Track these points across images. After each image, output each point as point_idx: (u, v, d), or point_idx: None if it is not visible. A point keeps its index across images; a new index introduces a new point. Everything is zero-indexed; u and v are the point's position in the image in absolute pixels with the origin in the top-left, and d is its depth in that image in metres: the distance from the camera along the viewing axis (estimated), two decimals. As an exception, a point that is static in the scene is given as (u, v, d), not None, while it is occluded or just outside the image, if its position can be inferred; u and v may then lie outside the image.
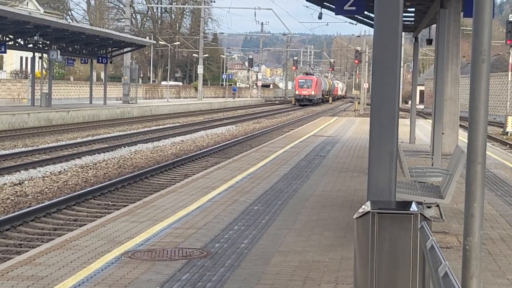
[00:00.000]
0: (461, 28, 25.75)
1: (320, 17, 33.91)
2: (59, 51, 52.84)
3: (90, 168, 24.59)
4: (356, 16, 24.70)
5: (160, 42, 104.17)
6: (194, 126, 50.70)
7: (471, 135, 5.38)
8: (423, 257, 5.14)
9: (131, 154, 29.58)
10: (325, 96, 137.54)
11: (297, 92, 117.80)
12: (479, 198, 5.38)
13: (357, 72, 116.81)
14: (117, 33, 63.86)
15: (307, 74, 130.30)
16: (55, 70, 79.92)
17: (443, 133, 21.50)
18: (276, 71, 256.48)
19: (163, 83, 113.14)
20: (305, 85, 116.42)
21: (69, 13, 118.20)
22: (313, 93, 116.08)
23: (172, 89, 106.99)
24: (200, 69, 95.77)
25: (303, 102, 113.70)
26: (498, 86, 77.08)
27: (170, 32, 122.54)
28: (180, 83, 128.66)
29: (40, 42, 51.15)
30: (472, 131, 5.37)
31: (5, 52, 50.74)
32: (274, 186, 16.68)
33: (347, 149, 27.17)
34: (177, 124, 51.78)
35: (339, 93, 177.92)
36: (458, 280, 4.06)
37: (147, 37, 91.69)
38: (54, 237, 13.00)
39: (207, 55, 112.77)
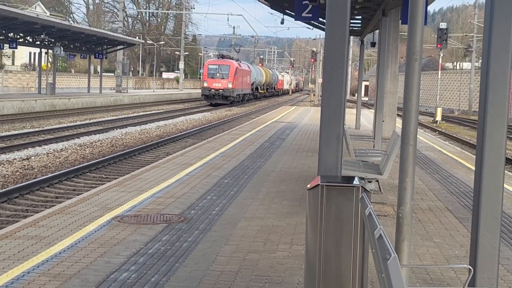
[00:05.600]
0: (400, 33, 25.81)
1: (282, 22, 33.79)
2: (62, 48, 52.45)
3: (87, 147, 24.44)
4: (312, 22, 24.65)
5: (148, 41, 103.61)
6: (176, 112, 50.52)
7: (404, 121, 5.40)
8: (363, 222, 5.17)
9: (122, 135, 29.44)
10: (260, 91, 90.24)
11: (205, 84, 66.91)
12: (411, 174, 5.41)
13: (313, 69, 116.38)
14: (112, 33, 63.33)
15: (222, 57, 73.17)
16: (58, 64, 79.13)
17: (383, 121, 21.60)
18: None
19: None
20: (217, 74, 66.83)
21: (71, 15, 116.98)
22: (230, 86, 66.38)
23: (158, 81, 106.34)
24: (181, 65, 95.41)
25: (215, 99, 65.80)
26: (430, 82, 77.62)
27: (156, 33, 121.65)
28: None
29: (46, 40, 50.82)
30: (405, 118, 5.40)
31: (16, 47, 50.51)
32: (241, 163, 16.68)
33: (303, 133, 27.22)
34: (161, 111, 51.55)
35: (286, 87, 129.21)
36: (392, 242, 4.08)
37: (137, 37, 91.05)
38: (55, 204, 12.93)
39: (187, 53, 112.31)
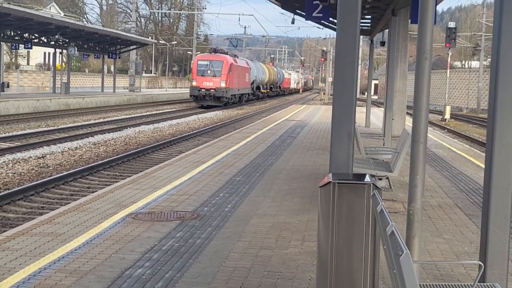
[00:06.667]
0: (409, 32, 25.76)
1: (293, 22, 33.77)
2: (76, 48, 52.61)
3: (101, 145, 24.50)
4: (322, 21, 24.62)
5: (160, 41, 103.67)
6: (188, 111, 50.54)
7: (415, 119, 5.40)
8: (374, 219, 5.16)
9: (135, 134, 29.49)
10: (262, 91, 79.03)
11: (194, 83, 55.71)
12: (421, 171, 5.41)
13: (323, 68, 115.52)
14: (125, 33, 63.44)
15: (215, 51, 60.05)
16: (72, 64, 79.35)
17: (393, 119, 21.56)
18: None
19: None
20: (208, 71, 55.57)
21: (85, 16, 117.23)
22: (223, 85, 55.19)
23: (170, 80, 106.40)
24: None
25: (205, 100, 55.43)
26: (439, 81, 77.43)
27: (168, 33, 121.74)
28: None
29: (61, 40, 50.96)
30: (416, 116, 5.39)
31: (31, 48, 50.70)
32: (253, 161, 16.69)
33: (314, 131, 27.19)
34: (174, 109, 51.59)
35: (293, 86, 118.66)
36: (403, 239, 4.08)
37: (149, 37, 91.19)
38: (71, 201, 12.97)
39: (199, 52, 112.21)
